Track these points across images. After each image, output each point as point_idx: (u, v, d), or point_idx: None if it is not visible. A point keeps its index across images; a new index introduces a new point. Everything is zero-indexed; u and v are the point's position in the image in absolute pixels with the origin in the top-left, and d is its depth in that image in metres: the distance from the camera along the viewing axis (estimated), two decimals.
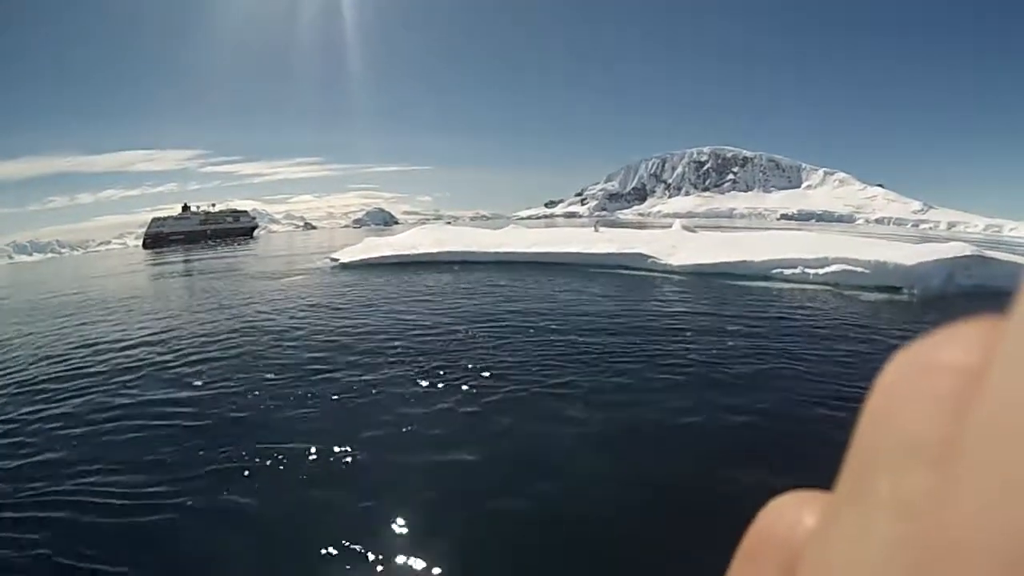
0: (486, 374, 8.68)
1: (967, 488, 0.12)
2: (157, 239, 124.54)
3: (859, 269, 17.52)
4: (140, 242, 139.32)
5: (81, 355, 12.04)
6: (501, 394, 7.81)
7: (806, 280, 17.98)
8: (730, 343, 10.55)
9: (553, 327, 11.86)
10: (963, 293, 16.97)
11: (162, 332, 13.73)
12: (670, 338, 10.94)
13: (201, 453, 6.42)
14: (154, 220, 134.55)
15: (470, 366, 9.10)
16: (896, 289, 16.77)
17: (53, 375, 10.56)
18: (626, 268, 21.47)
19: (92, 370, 10.67)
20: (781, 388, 8.09)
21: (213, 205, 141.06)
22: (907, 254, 17.81)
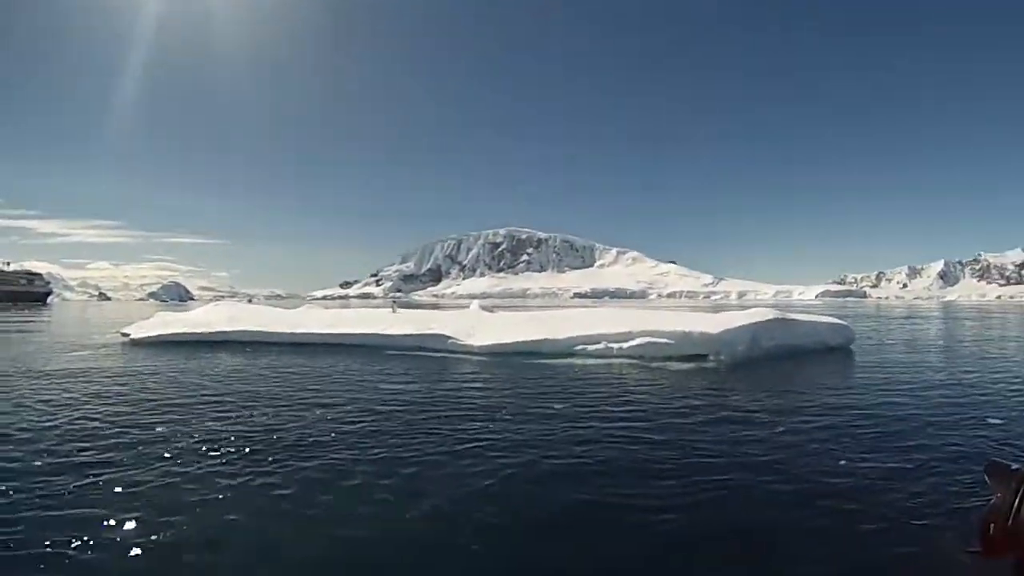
0: (275, 455, 7.63)
1: None
2: None
3: (664, 340, 16.83)
4: None
5: None
6: (285, 473, 6.92)
7: (611, 355, 16.92)
8: (536, 419, 9.63)
9: (349, 409, 10.60)
10: (767, 355, 17.34)
11: None
12: (471, 418, 9.77)
13: None
14: None
15: (256, 448, 7.98)
16: (702, 357, 16.34)
17: None
18: (425, 349, 19.98)
19: None
20: (591, 457, 7.43)
21: (8, 264, 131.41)
22: (711, 323, 17.86)
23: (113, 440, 8.58)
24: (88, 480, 6.80)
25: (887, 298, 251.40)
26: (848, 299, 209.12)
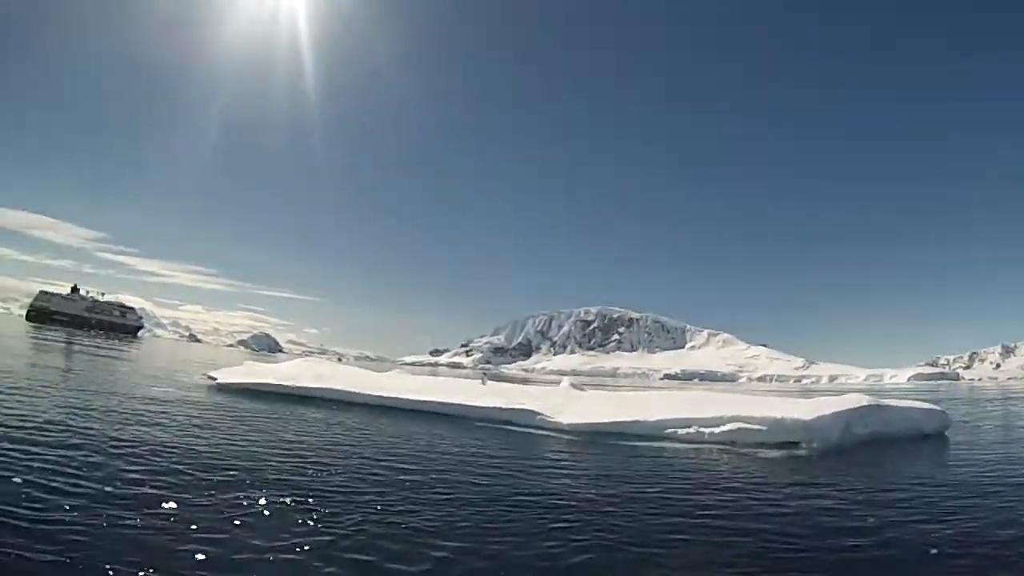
0: (350, 515, 7.74)
1: None
2: (41, 314, 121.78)
3: (755, 427, 16.80)
4: (24, 312, 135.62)
5: None
6: (360, 535, 7.05)
7: (701, 440, 16.88)
8: (625, 502, 9.53)
9: (431, 478, 10.58)
10: (860, 442, 16.95)
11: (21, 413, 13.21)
12: (558, 497, 9.65)
13: None
14: (42, 293, 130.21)
15: (332, 508, 8.04)
16: (794, 444, 16.16)
17: None
18: (514, 424, 19.95)
19: None
20: (680, 546, 7.38)
21: (102, 294, 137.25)
22: (802, 409, 17.64)
23: (185, 477, 8.94)
24: (152, 510, 7.17)
25: (980, 379, 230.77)
26: (941, 382, 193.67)
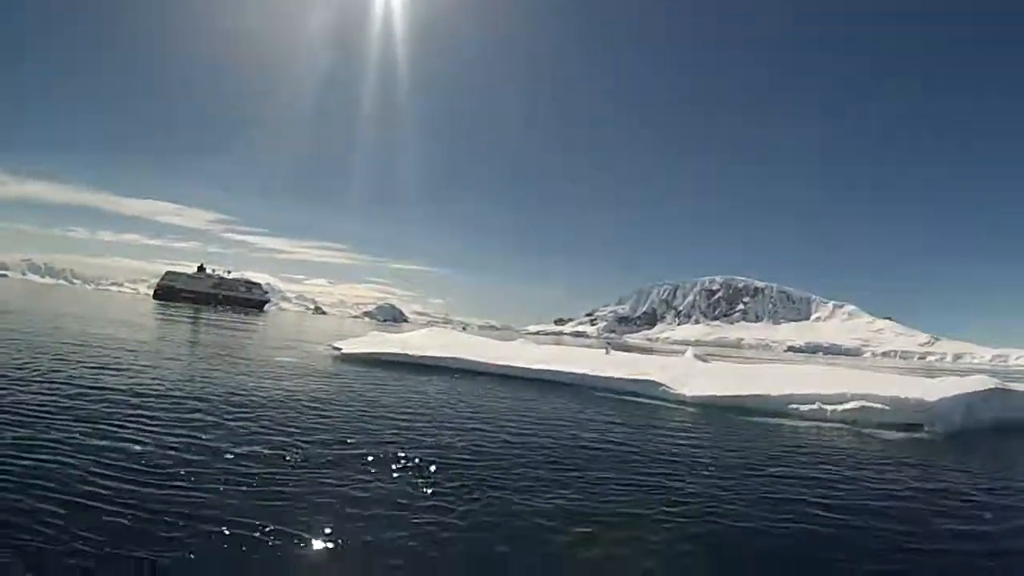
0: (472, 482, 8.11)
1: None
2: (168, 292, 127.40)
3: (878, 406, 17.01)
4: (151, 291, 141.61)
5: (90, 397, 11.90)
6: (485, 510, 7.17)
7: (823, 417, 17.23)
8: (741, 478, 9.81)
9: (553, 449, 10.94)
10: (983, 428, 16.61)
11: (157, 384, 14.15)
12: (675, 470, 10.07)
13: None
14: (168, 273, 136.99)
15: (455, 474, 8.46)
16: (917, 426, 16.31)
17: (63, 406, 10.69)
18: (635, 395, 20.44)
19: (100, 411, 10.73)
20: (799, 530, 7.34)
21: (228, 272, 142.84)
22: (927, 389, 17.49)
23: (307, 443, 9.37)
24: (277, 475, 7.56)
25: None
26: None
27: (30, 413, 9.78)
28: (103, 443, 8.39)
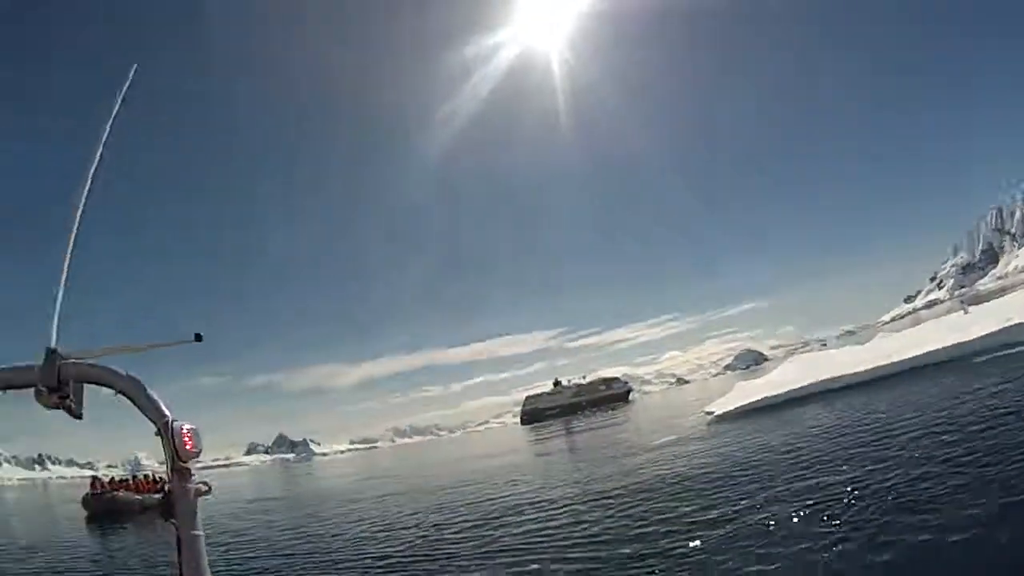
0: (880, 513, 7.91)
1: None
2: (534, 414, 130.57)
3: None
4: (518, 419, 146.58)
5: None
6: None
7: None
8: None
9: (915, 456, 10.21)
10: None
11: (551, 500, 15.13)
12: None
13: None
14: (528, 398, 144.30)
15: (859, 507, 8.30)
16: None
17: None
18: (1014, 346, 18.37)
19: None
20: None
21: (584, 377, 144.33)
22: None
23: (699, 513, 9.98)
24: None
25: None
26: None
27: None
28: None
